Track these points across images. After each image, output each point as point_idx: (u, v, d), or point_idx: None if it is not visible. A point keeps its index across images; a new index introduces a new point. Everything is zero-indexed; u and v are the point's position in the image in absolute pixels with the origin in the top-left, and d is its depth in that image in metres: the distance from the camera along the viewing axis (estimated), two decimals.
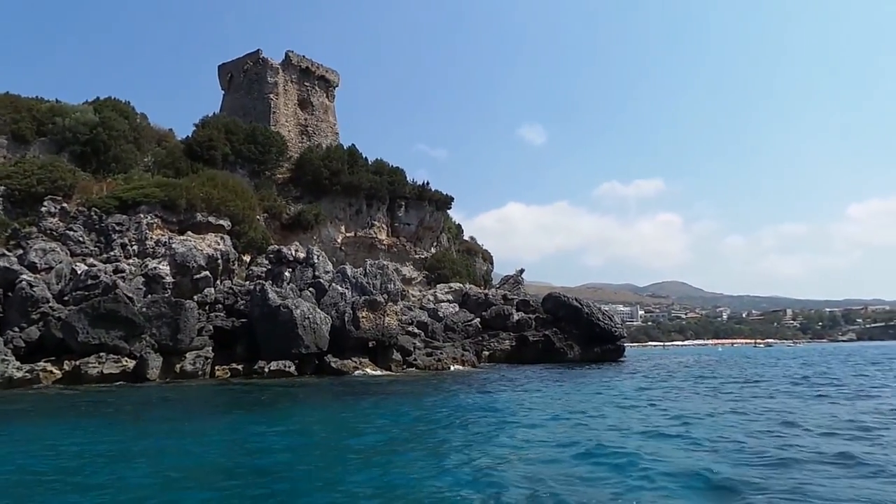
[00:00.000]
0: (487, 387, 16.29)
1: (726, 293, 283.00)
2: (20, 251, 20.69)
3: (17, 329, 17.82)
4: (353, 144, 38.36)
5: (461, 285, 35.09)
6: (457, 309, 31.59)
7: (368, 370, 20.60)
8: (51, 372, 16.92)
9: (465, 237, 47.50)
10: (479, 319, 30.46)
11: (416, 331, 26.12)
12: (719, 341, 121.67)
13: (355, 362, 20.63)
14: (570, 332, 29.41)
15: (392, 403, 12.79)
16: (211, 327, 20.63)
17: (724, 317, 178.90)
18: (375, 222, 36.93)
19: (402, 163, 67.58)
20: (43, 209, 22.66)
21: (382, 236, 37.37)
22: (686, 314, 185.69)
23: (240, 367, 19.80)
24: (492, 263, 47.41)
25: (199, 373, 18.92)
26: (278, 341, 19.96)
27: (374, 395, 14.49)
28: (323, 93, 40.21)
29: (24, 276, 18.67)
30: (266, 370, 19.11)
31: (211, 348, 19.82)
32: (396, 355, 22.34)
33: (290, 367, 19.49)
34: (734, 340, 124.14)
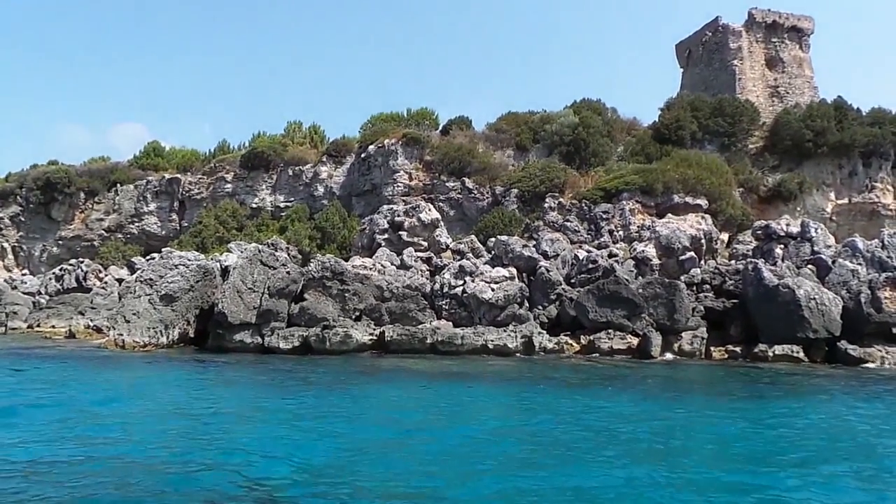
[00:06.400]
0: None
1: None
2: (533, 242, 24.64)
3: (541, 307, 21.27)
4: (838, 96, 32.94)
5: None
6: None
7: None
8: (571, 344, 19.68)
9: None
10: None
11: None
12: None
13: (881, 351, 17.57)
14: None
15: None
16: (702, 308, 20.58)
17: None
18: (877, 184, 30.82)
19: None
20: (545, 205, 26.54)
21: (888, 200, 30.96)
22: None
23: (737, 348, 19.20)
24: None
25: (696, 353, 19.10)
26: (779, 324, 18.54)
27: None
28: (795, 45, 35.67)
29: (542, 263, 22.16)
30: (770, 354, 17.98)
31: (704, 328, 19.80)
32: None
33: (797, 352, 17.88)
34: None
